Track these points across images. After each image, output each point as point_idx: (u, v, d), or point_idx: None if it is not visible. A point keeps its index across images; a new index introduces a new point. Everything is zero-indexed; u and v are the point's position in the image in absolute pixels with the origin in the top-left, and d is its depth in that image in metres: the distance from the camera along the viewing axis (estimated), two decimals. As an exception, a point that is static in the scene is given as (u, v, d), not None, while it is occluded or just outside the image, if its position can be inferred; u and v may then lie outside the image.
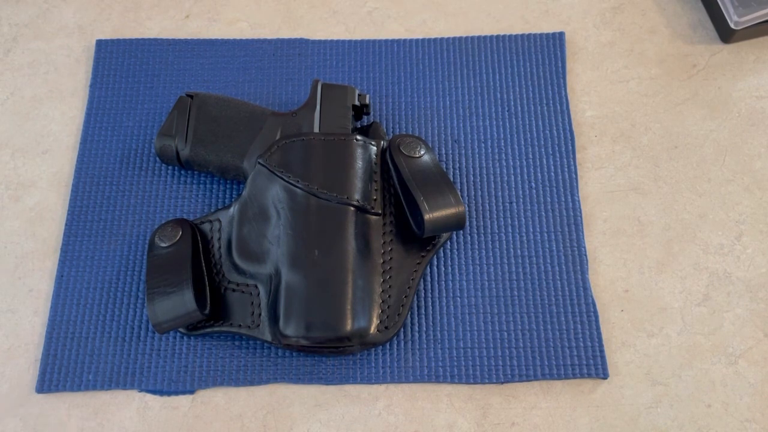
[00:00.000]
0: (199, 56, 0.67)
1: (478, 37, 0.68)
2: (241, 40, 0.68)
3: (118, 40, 0.68)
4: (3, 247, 0.59)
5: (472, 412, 0.53)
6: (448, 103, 0.65)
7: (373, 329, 0.52)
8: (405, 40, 0.68)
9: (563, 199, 0.60)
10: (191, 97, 0.60)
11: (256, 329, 0.53)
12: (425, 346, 0.55)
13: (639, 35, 0.68)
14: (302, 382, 0.54)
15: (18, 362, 0.55)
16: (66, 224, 0.59)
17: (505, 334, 0.55)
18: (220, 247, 0.56)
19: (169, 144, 0.58)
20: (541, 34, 0.68)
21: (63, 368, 0.54)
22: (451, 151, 0.63)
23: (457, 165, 0.62)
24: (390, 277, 0.55)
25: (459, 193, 0.56)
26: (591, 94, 0.66)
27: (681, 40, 0.68)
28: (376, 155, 0.58)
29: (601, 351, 0.54)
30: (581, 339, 0.55)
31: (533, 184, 0.61)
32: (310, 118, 0.58)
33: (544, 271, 0.57)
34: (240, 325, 0.54)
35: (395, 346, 0.55)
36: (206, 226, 0.57)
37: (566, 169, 0.62)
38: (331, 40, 0.68)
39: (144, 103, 0.65)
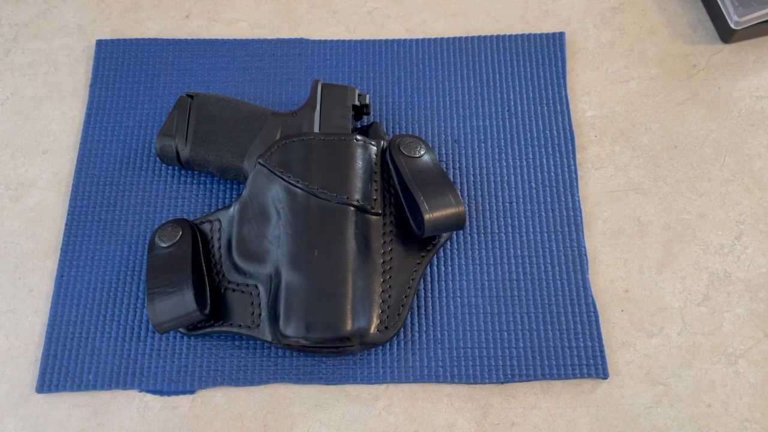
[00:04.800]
0: (199, 56, 0.67)
1: (478, 37, 0.68)
2: (241, 40, 0.68)
3: (118, 40, 0.68)
4: (3, 247, 0.59)
5: (472, 412, 0.53)
6: (448, 103, 0.65)
7: (373, 329, 0.52)
8: (405, 40, 0.68)
9: (563, 199, 0.60)
10: (191, 97, 0.60)
11: (256, 329, 0.53)
12: (425, 346, 0.55)
13: (639, 35, 0.68)
14: (302, 382, 0.54)
15: (18, 362, 0.55)
16: (66, 224, 0.59)
17: (505, 334, 0.55)
18: (220, 247, 0.56)
19: (170, 144, 0.58)
20: (541, 34, 0.68)
21: (63, 368, 0.54)
22: (451, 151, 0.63)
23: (457, 165, 0.62)
24: (390, 277, 0.55)
25: (459, 193, 0.56)
26: (591, 94, 0.66)
27: (681, 40, 0.68)
28: (376, 155, 0.58)
29: (601, 351, 0.54)
30: (581, 339, 0.55)
31: (533, 184, 0.61)
32: (310, 118, 0.58)
33: (544, 271, 0.57)
34: (240, 325, 0.54)
35: (395, 346, 0.55)
36: (206, 226, 0.57)
37: (566, 169, 0.62)
38: (331, 40, 0.68)
39: (144, 103, 0.65)
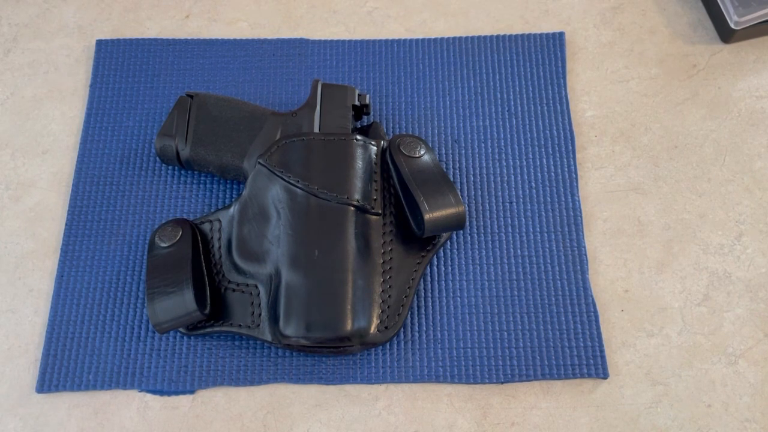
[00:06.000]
0: (199, 56, 0.67)
1: (478, 37, 0.68)
2: (241, 40, 0.68)
3: (118, 40, 0.68)
4: (3, 247, 0.59)
5: (472, 412, 0.53)
6: (448, 103, 0.65)
7: (373, 329, 0.52)
8: (405, 40, 0.68)
9: (563, 199, 0.60)
10: (191, 97, 0.60)
11: (256, 329, 0.53)
12: (425, 346, 0.55)
13: (639, 35, 0.69)
14: (302, 382, 0.54)
15: (18, 362, 0.55)
16: (66, 224, 0.59)
17: (505, 334, 0.55)
18: (220, 247, 0.56)
19: (169, 144, 0.58)
20: (541, 34, 0.68)
21: (63, 368, 0.54)
22: (451, 151, 0.63)
23: (457, 165, 0.62)
24: (390, 277, 0.55)
25: (459, 193, 0.56)
26: (591, 94, 0.66)
27: (681, 40, 0.68)
28: (376, 155, 0.58)
29: (601, 351, 0.54)
30: (581, 339, 0.55)
31: (533, 184, 0.61)
32: (310, 118, 0.58)
33: (544, 271, 0.57)
34: (240, 325, 0.54)
35: (395, 346, 0.55)
36: (206, 226, 0.57)
37: (566, 169, 0.62)
38: (331, 40, 0.68)
39: (144, 103, 0.65)
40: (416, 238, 0.56)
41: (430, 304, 0.56)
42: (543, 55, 0.67)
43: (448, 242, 0.58)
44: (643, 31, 0.69)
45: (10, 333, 0.56)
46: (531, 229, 0.59)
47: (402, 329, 0.55)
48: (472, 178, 0.61)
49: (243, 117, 0.59)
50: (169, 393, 0.54)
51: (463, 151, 0.63)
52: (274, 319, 0.52)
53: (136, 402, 0.53)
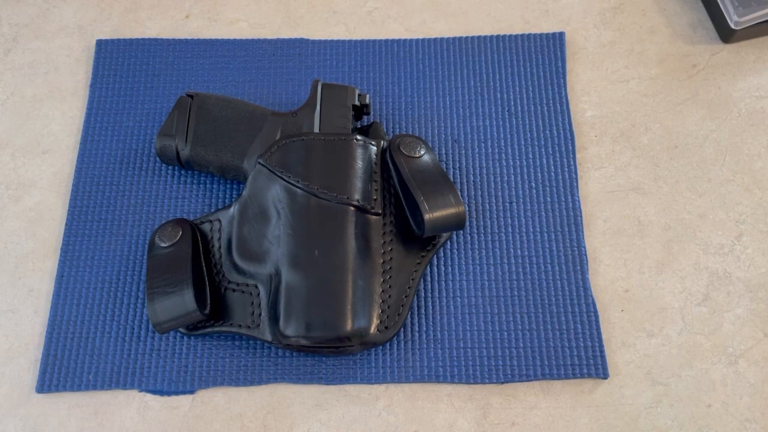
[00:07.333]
0: (199, 56, 0.67)
1: (478, 37, 0.68)
2: (241, 40, 0.68)
3: (118, 40, 0.68)
4: (3, 247, 0.59)
5: (472, 412, 0.53)
6: (448, 103, 0.65)
7: (373, 329, 0.52)
8: (405, 40, 0.68)
9: (563, 199, 0.60)
10: (191, 97, 0.60)
11: (256, 329, 0.53)
12: (425, 346, 0.55)
13: (639, 35, 0.69)
14: (302, 382, 0.54)
15: (18, 362, 0.55)
16: (66, 224, 0.59)
17: (505, 334, 0.55)
18: (220, 247, 0.56)
19: (170, 144, 0.58)
20: (541, 34, 0.68)
21: (63, 368, 0.54)
22: (451, 151, 0.63)
23: (457, 165, 0.62)
24: (390, 277, 0.55)
25: (459, 193, 0.56)
26: (591, 94, 0.66)
27: (681, 40, 0.68)
28: (376, 155, 0.58)
29: (601, 351, 0.54)
30: (581, 339, 0.55)
31: (533, 184, 0.61)
32: (310, 118, 0.58)
33: (544, 271, 0.57)
34: (240, 325, 0.54)
35: (395, 346, 0.55)
36: (206, 226, 0.57)
37: (566, 169, 0.62)
38: (331, 40, 0.68)
39: (144, 103, 0.65)
40: (416, 238, 0.56)
41: (430, 304, 0.56)
42: (543, 55, 0.67)
43: (448, 242, 0.58)
44: (643, 31, 0.69)
45: (10, 333, 0.56)
46: (531, 229, 0.59)
47: (402, 329, 0.55)
48: (472, 178, 0.61)
49: (243, 117, 0.59)
50: (169, 393, 0.54)
51: (463, 151, 0.63)
52: (274, 319, 0.52)
53: (136, 402, 0.54)
